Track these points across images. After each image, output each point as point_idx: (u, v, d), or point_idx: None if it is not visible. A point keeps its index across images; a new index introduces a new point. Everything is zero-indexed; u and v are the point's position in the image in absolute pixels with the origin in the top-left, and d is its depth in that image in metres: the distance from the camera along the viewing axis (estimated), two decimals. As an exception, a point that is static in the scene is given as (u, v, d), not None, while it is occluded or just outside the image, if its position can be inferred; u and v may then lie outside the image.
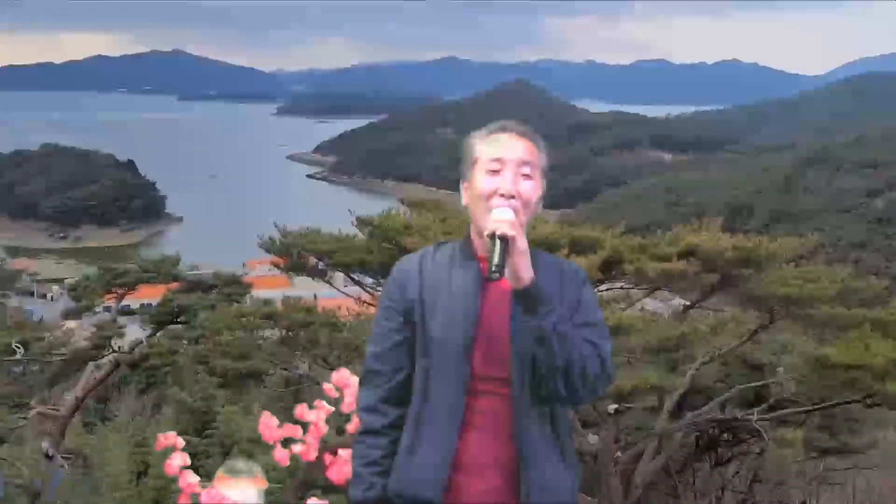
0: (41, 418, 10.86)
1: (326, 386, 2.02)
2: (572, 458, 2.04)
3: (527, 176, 1.96)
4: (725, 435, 10.21)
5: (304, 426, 1.98)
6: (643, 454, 8.58)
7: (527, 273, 1.85)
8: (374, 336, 2.10)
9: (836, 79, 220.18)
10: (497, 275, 1.82)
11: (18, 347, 12.08)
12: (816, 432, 9.28)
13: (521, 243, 1.84)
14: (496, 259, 1.82)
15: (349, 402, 2.04)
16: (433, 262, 2.06)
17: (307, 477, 1.90)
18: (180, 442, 1.85)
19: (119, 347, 12.38)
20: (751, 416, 7.94)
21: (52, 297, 59.20)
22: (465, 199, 2.04)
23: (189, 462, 1.81)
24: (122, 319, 13.50)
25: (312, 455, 1.95)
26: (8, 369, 14.35)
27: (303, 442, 1.96)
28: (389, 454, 2.03)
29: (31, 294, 63.56)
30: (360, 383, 2.11)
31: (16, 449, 10.20)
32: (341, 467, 1.99)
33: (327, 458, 1.97)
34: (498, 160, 1.96)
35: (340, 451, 1.99)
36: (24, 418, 10.98)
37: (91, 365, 11.49)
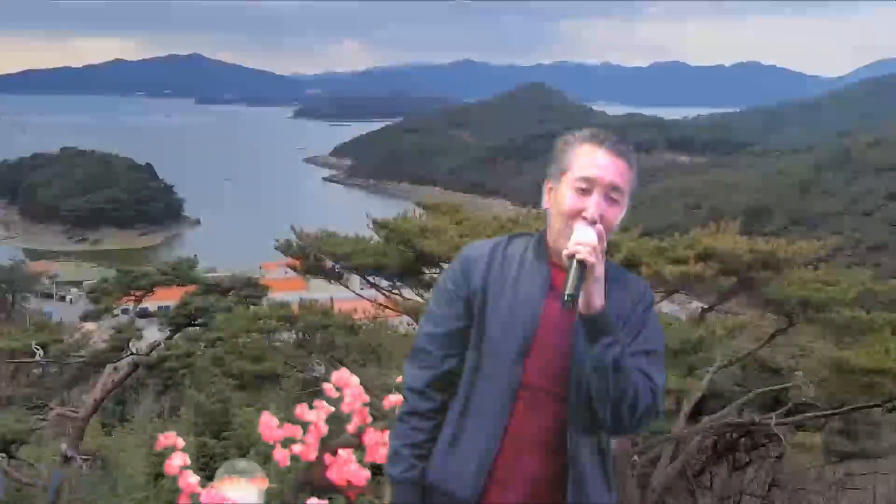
0: (60, 419, 10.94)
1: (326, 386, 2.02)
2: (615, 481, 2.02)
3: (614, 201, 1.89)
4: (743, 439, 10.16)
5: (305, 426, 1.97)
6: (660, 458, 8.54)
7: (599, 300, 1.79)
8: (432, 316, 2.05)
9: (856, 80, 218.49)
10: (570, 304, 1.76)
11: (38, 349, 12.19)
12: (836, 437, 9.21)
13: (599, 270, 1.79)
14: (570, 287, 1.76)
15: (349, 402, 2.04)
16: (503, 255, 1.99)
17: (307, 477, 1.89)
18: (180, 442, 1.86)
19: (137, 349, 12.47)
20: (769, 420, 7.90)
21: (70, 300, 59.62)
22: (546, 201, 1.97)
23: (189, 462, 1.81)
24: (139, 322, 13.62)
25: (312, 455, 1.95)
26: (27, 371, 14.47)
27: (303, 442, 1.95)
28: (431, 439, 1.99)
29: (51, 296, 63.99)
30: (409, 359, 2.06)
31: (35, 450, 10.29)
32: (341, 467, 1.99)
33: (327, 458, 1.97)
34: (589, 180, 1.87)
35: (340, 451, 1.99)
36: (44, 419, 11.07)
37: (109, 367, 11.58)
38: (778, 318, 8.11)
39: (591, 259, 1.76)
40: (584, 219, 1.84)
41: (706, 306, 8.77)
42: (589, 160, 1.89)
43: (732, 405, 8.31)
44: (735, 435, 9.97)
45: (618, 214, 1.91)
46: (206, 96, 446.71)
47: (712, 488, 10.31)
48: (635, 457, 7.87)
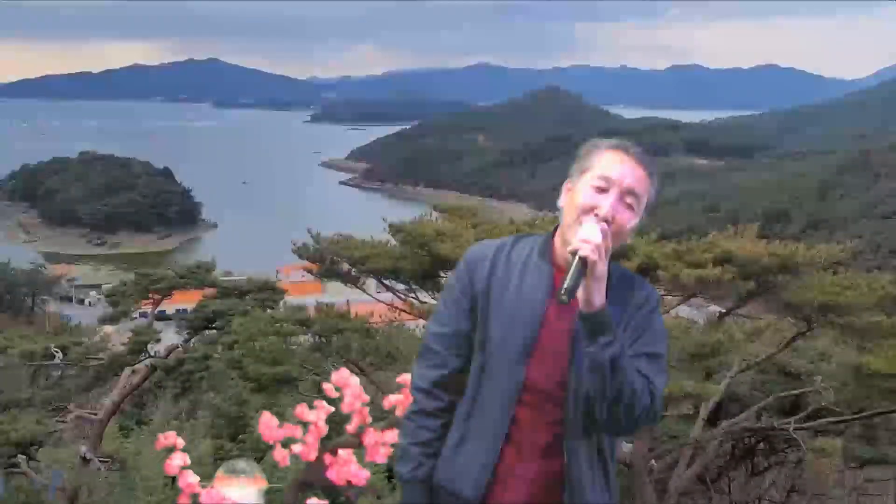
0: (79, 422, 11.01)
1: (326, 386, 2.03)
2: (614, 481, 2.01)
3: (629, 206, 1.90)
4: (762, 444, 10.09)
5: (305, 426, 1.98)
6: (678, 462, 8.50)
7: (599, 299, 1.79)
8: (439, 316, 2.07)
9: (876, 83, 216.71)
10: (566, 298, 1.76)
11: (57, 352, 12.27)
12: (856, 442, 9.14)
13: (601, 269, 1.78)
14: (569, 282, 1.76)
15: (349, 402, 2.04)
16: (508, 256, 2.00)
17: (307, 477, 1.90)
18: (180, 442, 1.87)
19: (155, 352, 12.52)
20: (788, 425, 7.84)
21: (89, 303, 60.01)
22: (562, 199, 1.97)
23: (189, 462, 1.82)
24: (158, 325, 13.67)
25: (312, 455, 1.95)
26: (47, 374, 14.58)
27: (303, 442, 1.96)
28: (439, 437, 2.01)
29: (70, 299, 64.54)
30: (417, 359, 2.08)
31: (54, 452, 10.36)
32: (341, 467, 2.00)
33: (327, 458, 1.98)
34: (607, 179, 1.89)
35: (340, 451, 2.00)
36: (63, 422, 11.14)
37: (128, 370, 11.64)
38: (797, 322, 8.05)
39: (592, 256, 1.76)
40: (596, 216, 1.85)
41: (724, 310, 8.71)
42: (612, 162, 1.92)
43: (751, 410, 8.26)
44: (753, 440, 9.91)
45: (630, 220, 1.91)
46: (224, 100, 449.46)
47: (730, 493, 10.25)
48: (652, 461, 7.83)
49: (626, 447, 7.52)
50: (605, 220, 1.85)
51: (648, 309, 1.95)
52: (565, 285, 1.76)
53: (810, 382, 8.36)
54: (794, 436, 7.89)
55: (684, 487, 8.62)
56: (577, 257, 1.77)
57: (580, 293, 1.78)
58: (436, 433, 2.02)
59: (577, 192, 1.92)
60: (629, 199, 1.90)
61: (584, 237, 1.79)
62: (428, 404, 2.02)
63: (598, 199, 1.88)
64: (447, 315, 2.04)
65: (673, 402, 7.02)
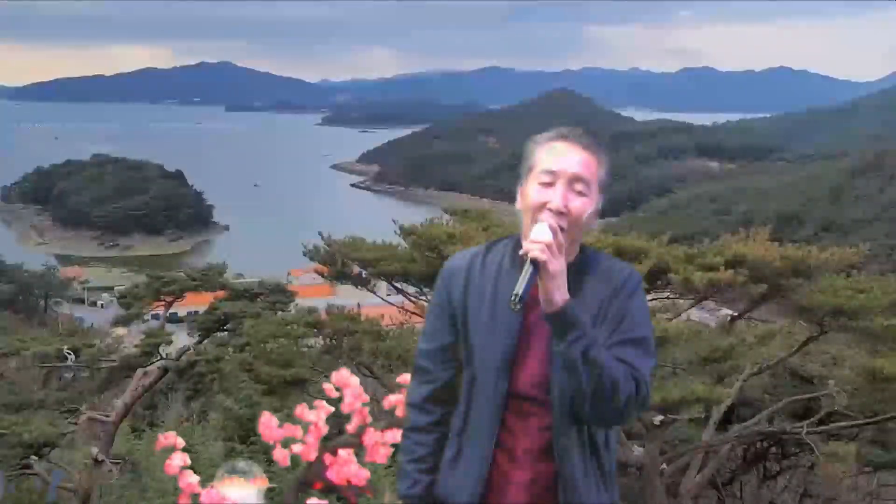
0: (91, 423, 11.05)
1: (326, 386, 2.03)
2: (612, 478, 1.99)
3: (580, 193, 1.88)
4: (774, 448, 10.05)
5: (305, 426, 1.99)
6: (689, 467, 8.47)
7: (559, 297, 1.76)
8: (425, 332, 2.08)
9: (890, 84, 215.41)
10: (517, 306, 1.76)
11: (69, 354, 12.34)
12: (869, 446, 9.09)
13: (554, 266, 1.76)
14: (520, 288, 1.75)
15: (349, 402, 2.05)
16: (482, 265, 1.99)
17: (307, 477, 1.91)
18: (180, 442, 1.87)
19: (167, 354, 12.56)
20: (800, 429, 7.80)
21: (102, 305, 60.28)
22: (519, 202, 1.96)
23: (189, 462, 1.83)
24: (169, 327, 13.73)
25: (312, 455, 1.96)
26: (59, 375, 14.65)
27: (303, 442, 1.96)
28: (434, 451, 2.02)
29: (82, 301, 64.85)
30: (412, 375, 2.10)
31: (67, 453, 10.41)
32: (341, 467, 2.00)
33: (327, 458, 1.98)
34: (550, 172, 1.88)
35: (340, 451, 2.00)
36: (75, 423, 11.19)
37: (139, 371, 11.68)
38: (809, 325, 8.02)
39: (542, 256, 1.75)
40: (550, 210, 1.84)
41: (736, 314, 8.69)
42: (553, 154, 1.91)
43: (763, 413, 8.23)
44: (765, 444, 9.87)
45: (585, 206, 1.89)
46: (236, 103, 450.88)
47: (742, 498, 10.21)
48: (664, 465, 7.80)
49: (637, 451, 7.50)
50: (560, 212, 1.84)
51: (627, 293, 1.91)
52: (515, 290, 1.75)
53: (823, 386, 8.33)
54: (807, 440, 7.85)
55: (696, 491, 8.59)
56: (528, 260, 1.76)
57: (540, 296, 1.77)
58: (430, 448, 2.03)
59: (527, 193, 1.91)
60: (579, 187, 1.88)
61: (533, 237, 1.78)
62: (420, 420, 2.04)
63: (546, 194, 1.87)
64: (431, 331, 2.05)
65: (684, 405, 6.99)
